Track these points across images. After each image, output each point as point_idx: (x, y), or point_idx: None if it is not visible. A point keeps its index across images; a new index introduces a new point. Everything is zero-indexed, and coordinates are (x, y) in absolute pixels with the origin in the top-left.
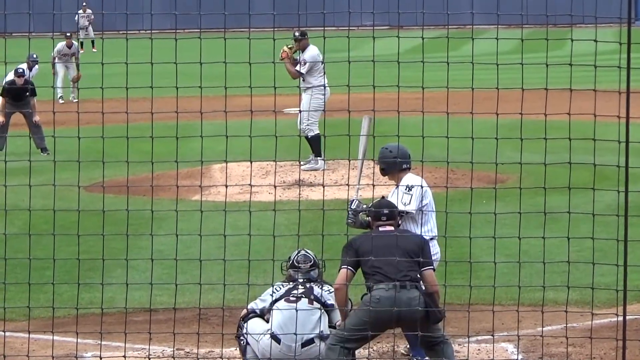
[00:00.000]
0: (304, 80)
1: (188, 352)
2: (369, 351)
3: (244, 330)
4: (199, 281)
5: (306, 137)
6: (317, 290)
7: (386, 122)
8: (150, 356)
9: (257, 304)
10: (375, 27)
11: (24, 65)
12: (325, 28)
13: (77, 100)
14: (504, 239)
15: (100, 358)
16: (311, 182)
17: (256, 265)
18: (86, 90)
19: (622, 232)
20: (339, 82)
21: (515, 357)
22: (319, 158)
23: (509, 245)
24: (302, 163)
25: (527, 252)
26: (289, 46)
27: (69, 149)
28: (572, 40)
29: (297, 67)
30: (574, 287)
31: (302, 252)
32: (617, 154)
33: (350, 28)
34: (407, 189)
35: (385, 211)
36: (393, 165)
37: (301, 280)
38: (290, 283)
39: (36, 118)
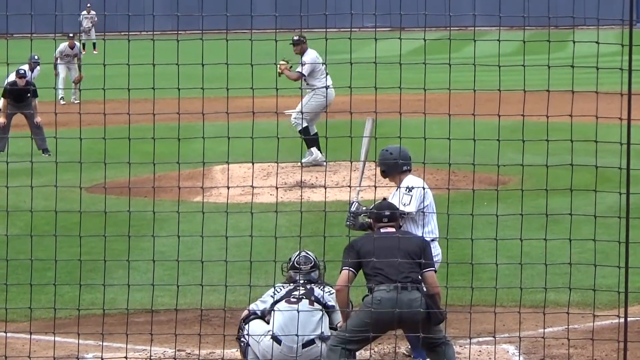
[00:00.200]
0: (307, 83)
1: (189, 353)
2: (370, 352)
3: (245, 332)
4: (200, 282)
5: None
6: (317, 291)
7: (388, 123)
8: (151, 357)
9: (257, 305)
10: (377, 29)
11: (26, 67)
12: (327, 30)
13: (78, 101)
14: (505, 240)
15: (102, 359)
16: (312, 184)
17: (257, 266)
18: (88, 92)
19: (624, 234)
20: (340, 83)
21: (517, 358)
22: (312, 148)
23: (510, 246)
24: (302, 161)
25: (528, 253)
26: (285, 59)
27: (71, 150)
28: (573, 42)
29: (298, 69)
30: (576, 289)
31: (303, 253)
32: (618, 155)
33: (352, 30)
34: (408, 190)
35: (387, 212)
36: (394, 167)
37: (302, 282)
38: (291, 284)
39: (37, 119)
